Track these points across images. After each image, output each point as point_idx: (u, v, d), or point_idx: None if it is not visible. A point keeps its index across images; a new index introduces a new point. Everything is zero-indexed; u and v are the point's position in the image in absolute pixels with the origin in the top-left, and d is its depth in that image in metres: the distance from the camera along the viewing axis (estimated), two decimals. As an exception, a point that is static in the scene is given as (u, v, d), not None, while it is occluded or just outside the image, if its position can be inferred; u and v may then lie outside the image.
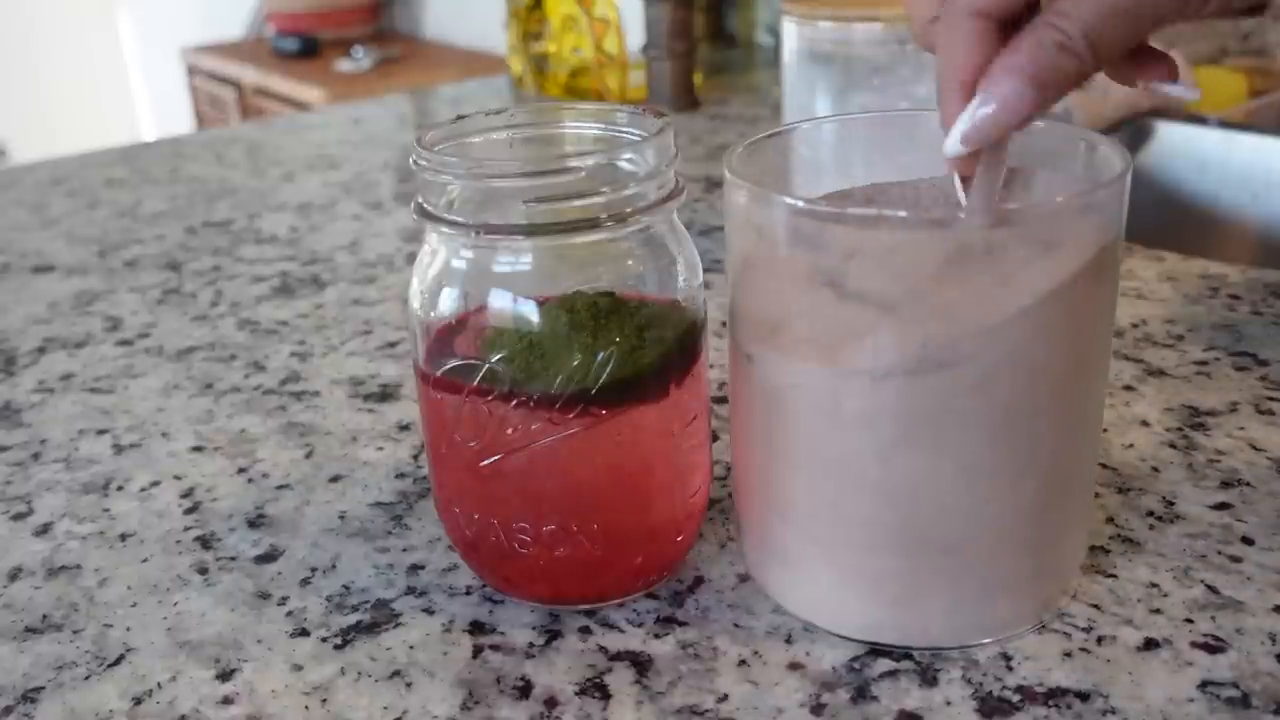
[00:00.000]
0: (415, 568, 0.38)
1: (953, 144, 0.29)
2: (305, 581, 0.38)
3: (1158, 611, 0.34)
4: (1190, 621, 0.34)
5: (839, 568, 0.33)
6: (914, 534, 0.31)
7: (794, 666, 0.33)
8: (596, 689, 0.32)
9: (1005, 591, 0.32)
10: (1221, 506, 0.39)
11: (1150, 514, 0.39)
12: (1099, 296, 0.30)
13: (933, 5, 0.31)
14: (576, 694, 0.32)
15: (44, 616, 0.37)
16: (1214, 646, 0.33)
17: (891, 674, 0.32)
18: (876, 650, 0.33)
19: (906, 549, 0.31)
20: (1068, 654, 0.32)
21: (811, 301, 0.30)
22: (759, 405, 0.33)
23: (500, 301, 0.32)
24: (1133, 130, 0.84)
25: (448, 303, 0.33)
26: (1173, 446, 0.43)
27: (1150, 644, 0.33)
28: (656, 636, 0.34)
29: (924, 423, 0.30)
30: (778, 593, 0.35)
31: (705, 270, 0.36)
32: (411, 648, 0.34)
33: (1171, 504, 0.39)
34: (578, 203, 0.31)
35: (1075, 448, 0.32)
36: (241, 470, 0.45)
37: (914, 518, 0.31)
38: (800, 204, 0.29)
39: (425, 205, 0.33)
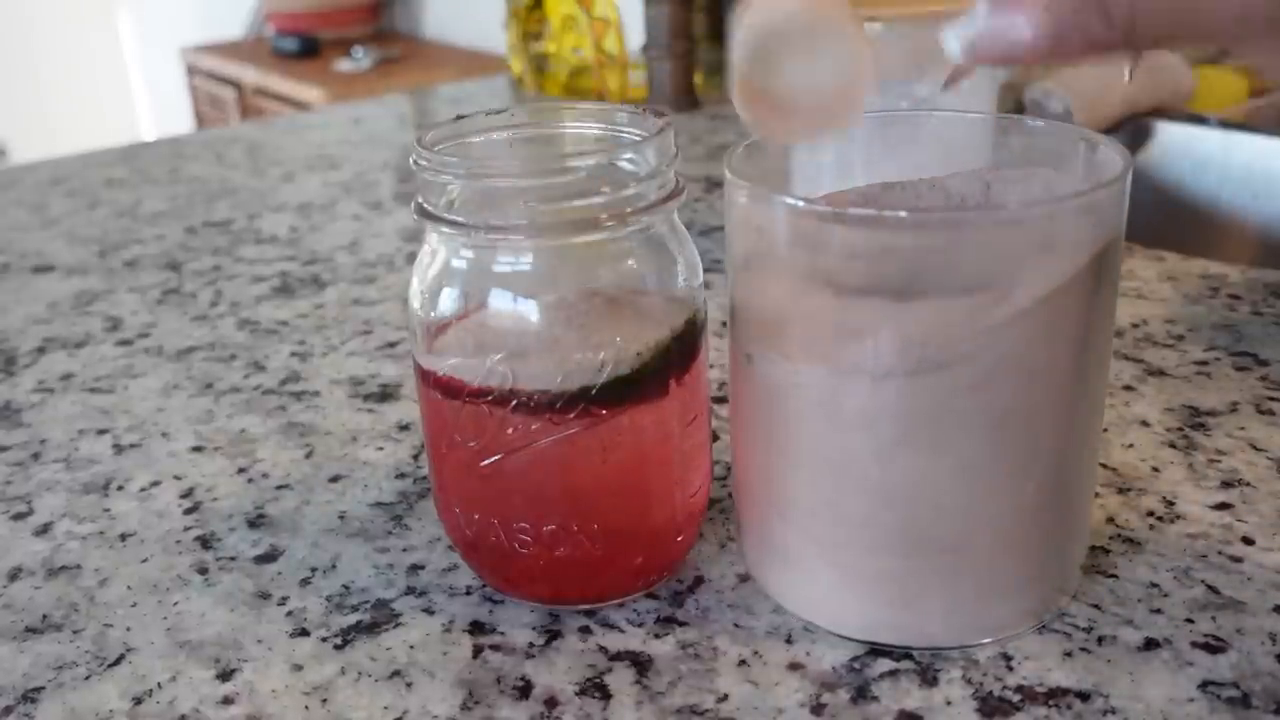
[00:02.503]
0: (415, 568, 0.38)
1: (949, 41, 0.28)
2: (305, 581, 0.38)
3: (1158, 611, 0.34)
4: (1190, 621, 0.34)
5: (839, 568, 0.33)
6: (913, 534, 0.31)
7: (794, 666, 0.33)
8: (596, 689, 0.32)
9: (1005, 592, 0.32)
10: (1221, 506, 0.39)
11: (1150, 514, 0.39)
12: (1099, 296, 0.30)
13: None
14: (576, 694, 0.32)
15: (44, 616, 0.37)
16: (1214, 646, 0.33)
17: (891, 674, 0.32)
18: (876, 650, 0.33)
19: (906, 549, 0.31)
20: (1068, 654, 0.32)
21: (811, 301, 0.30)
22: (759, 405, 0.33)
23: (500, 301, 0.32)
24: (1133, 130, 0.84)
25: (448, 303, 0.33)
26: (1173, 446, 0.43)
27: (1150, 644, 0.33)
28: (656, 636, 0.34)
29: (924, 423, 0.30)
30: (778, 592, 0.35)
31: (705, 270, 0.36)
32: (412, 648, 0.34)
33: (1171, 504, 0.39)
34: (578, 203, 0.31)
35: (1075, 448, 0.32)
36: (241, 470, 0.45)
37: (913, 518, 0.31)
38: (800, 204, 0.29)
39: (425, 205, 0.33)
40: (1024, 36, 0.26)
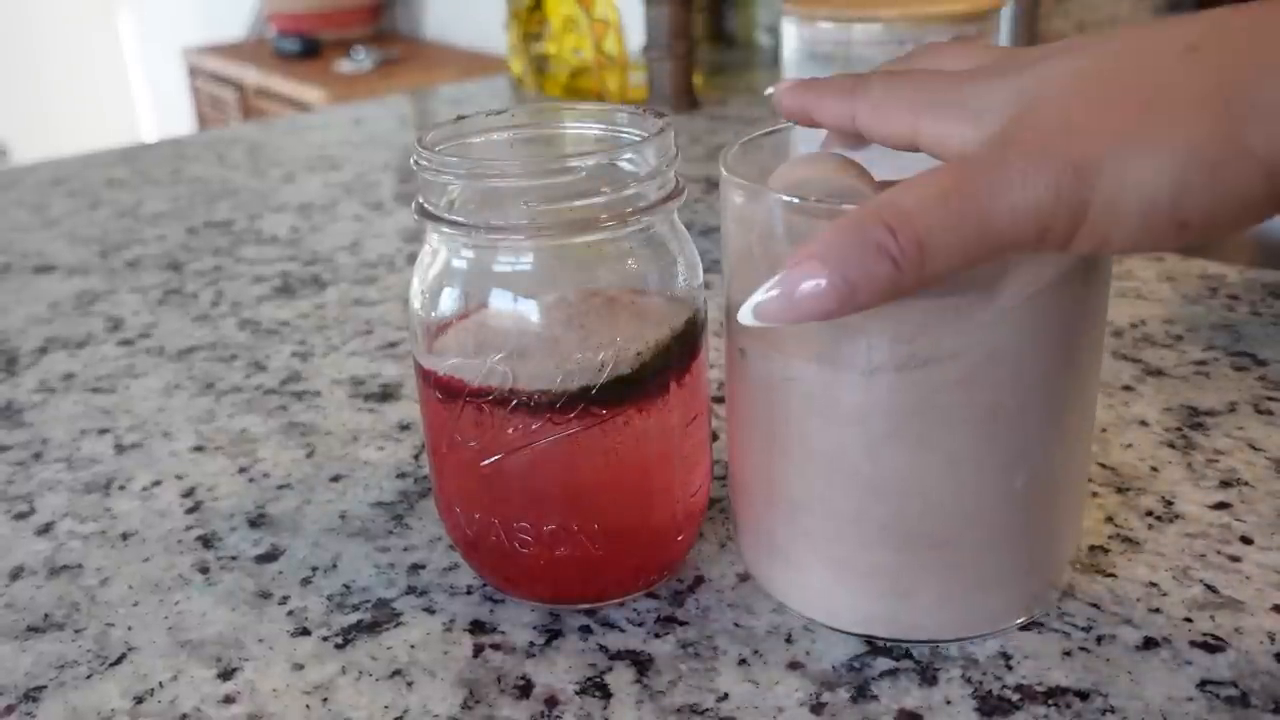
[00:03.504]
0: (416, 567, 0.38)
1: (745, 315, 0.27)
2: (306, 581, 0.38)
3: (1157, 611, 0.34)
4: (1189, 621, 0.34)
5: (831, 562, 0.33)
6: (904, 528, 0.31)
7: (794, 665, 0.33)
8: (597, 688, 0.32)
9: (995, 586, 0.33)
10: (1220, 506, 0.39)
11: (1149, 514, 0.39)
12: (1089, 295, 0.30)
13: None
14: (577, 693, 0.32)
15: (46, 615, 0.37)
16: (1213, 646, 0.33)
17: (891, 673, 0.32)
18: (876, 649, 0.33)
19: (897, 543, 0.32)
20: (1067, 653, 0.33)
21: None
22: (753, 400, 0.33)
23: (500, 301, 0.32)
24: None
25: (448, 302, 0.33)
26: (1172, 446, 0.43)
27: (1149, 643, 0.33)
28: (657, 636, 0.34)
29: (913, 417, 0.30)
30: (773, 587, 0.35)
31: (705, 270, 0.36)
32: (412, 647, 0.35)
33: (1170, 504, 0.39)
34: (578, 203, 0.31)
35: (1064, 444, 0.32)
36: (242, 470, 0.45)
37: (903, 512, 0.31)
38: (794, 200, 0.29)
39: (426, 205, 0.33)
40: (813, 307, 0.26)
